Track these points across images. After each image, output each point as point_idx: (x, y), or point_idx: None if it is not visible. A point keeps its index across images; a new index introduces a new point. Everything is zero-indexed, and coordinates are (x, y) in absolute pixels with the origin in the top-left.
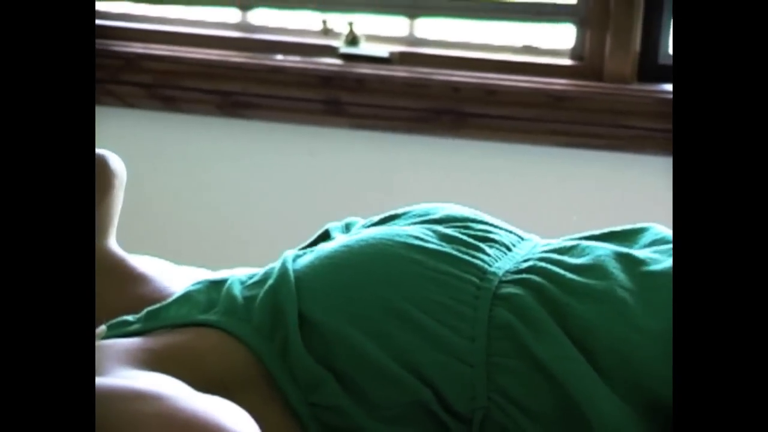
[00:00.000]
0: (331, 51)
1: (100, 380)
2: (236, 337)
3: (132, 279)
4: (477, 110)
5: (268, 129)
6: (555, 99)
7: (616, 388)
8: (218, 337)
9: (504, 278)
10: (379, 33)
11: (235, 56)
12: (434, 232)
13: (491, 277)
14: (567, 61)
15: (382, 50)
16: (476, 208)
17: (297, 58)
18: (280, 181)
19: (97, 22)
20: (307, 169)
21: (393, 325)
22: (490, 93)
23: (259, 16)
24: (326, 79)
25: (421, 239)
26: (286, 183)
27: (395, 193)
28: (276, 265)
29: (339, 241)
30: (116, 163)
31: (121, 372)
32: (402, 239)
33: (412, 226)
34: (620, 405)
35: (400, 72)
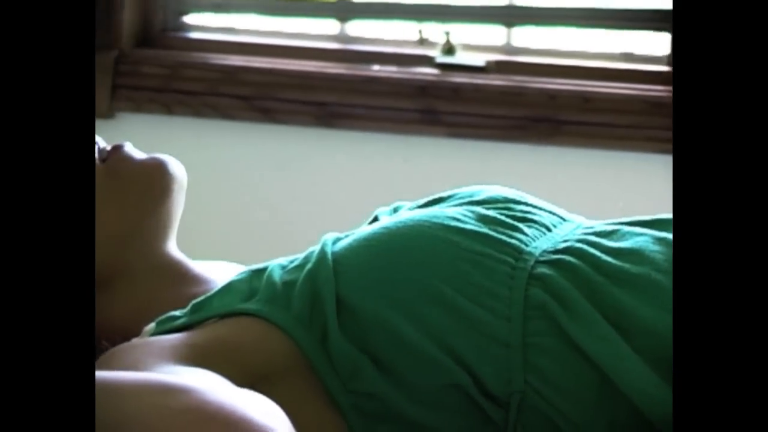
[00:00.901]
0: (427, 61)
1: (129, 374)
2: (276, 325)
3: (189, 280)
4: (573, 118)
5: (365, 139)
6: (652, 106)
7: (655, 368)
8: (259, 327)
9: (540, 258)
10: (476, 42)
11: (332, 67)
12: (473, 213)
13: (527, 257)
14: (664, 68)
15: (479, 59)
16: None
17: (393, 68)
18: (376, 190)
19: (197, 35)
20: (403, 178)
21: (429, 306)
22: (587, 100)
23: (357, 27)
24: (422, 88)
25: (459, 220)
26: (382, 192)
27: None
28: (316, 248)
29: (380, 223)
30: (176, 167)
31: (164, 368)
32: (440, 221)
33: (453, 208)
34: (659, 383)
35: (496, 80)
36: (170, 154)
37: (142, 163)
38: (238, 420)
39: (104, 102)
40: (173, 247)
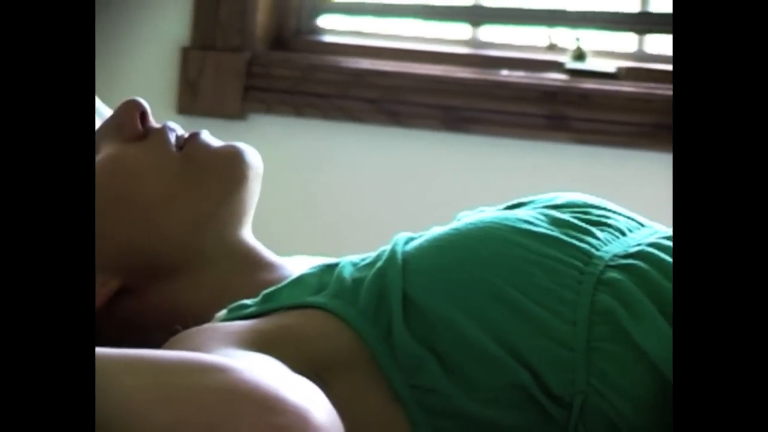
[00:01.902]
0: (557, 66)
1: (170, 353)
2: (342, 319)
3: (263, 266)
4: None
5: (492, 143)
6: None
7: None
8: (325, 320)
9: (610, 263)
10: (607, 48)
11: (460, 71)
12: (546, 216)
13: (597, 261)
14: None
15: (609, 65)
16: None
17: (522, 74)
18: (502, 195)
19: (329, 38)
20: (529, 184)
21: (494, 307)
22: None
23: (489, 32)
24: (551, 94)
25: (531, 223)
26: (508, 197)
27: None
28: (387, 247)
29: (452, 225)
30: (252, 155)
31: (224, 351)
32: (510, 223)
33: (527, 211)
34: None
35: (625, 87)
36: (299, 156)
37: (218, 151)
38: (273, 400)
39: (236, 103)
40: (248, 234)
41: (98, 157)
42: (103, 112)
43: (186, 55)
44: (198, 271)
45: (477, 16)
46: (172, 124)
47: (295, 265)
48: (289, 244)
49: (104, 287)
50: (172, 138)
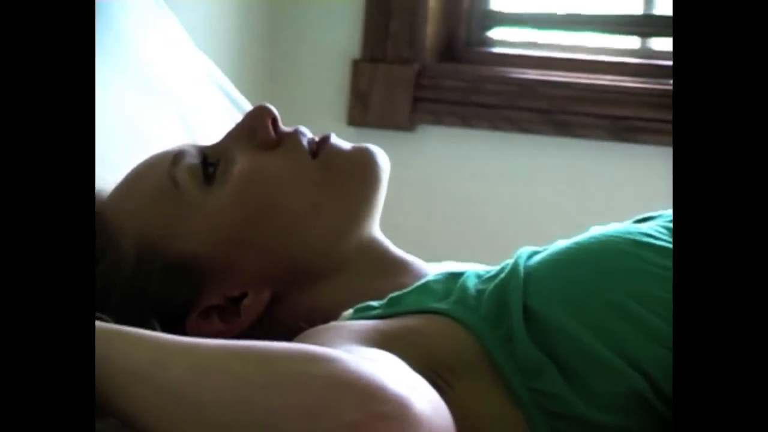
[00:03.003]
0: None
1: (281, 344)
2: (464, 324)
3: (396, 264)
4: None
5: (660, 153)
6: None
7: None
8: (447, 324)
9: None
10: None
11: (629, 81)
12: (668, 230)
13: None
14: None
15: None
16: None
17: None
18: (670, 204)
19: (497, 49)
20: None
21: (611, 317)
22: None
23: (659, 41)
24: None
25: (651, 236)
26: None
27: None
28: (510, 261)
29: (575, 238)
30: (382, 158)
31: (346, 347)
32: (631, 236)
33: (651, 225)
34: None
35: None
36: (467, 166)
37: (352, 154)
38: (375, 389)
39: (405, 115)
40: (379, 233)
41: (236, 168)
42: (245, 108)
43: (356, 67)
44: (340, 274)
45: (647, 27)
46: (302, 129)
47: (430, 266)
48: (455, 253)
49: (257, 300)
50: (305, 143)
